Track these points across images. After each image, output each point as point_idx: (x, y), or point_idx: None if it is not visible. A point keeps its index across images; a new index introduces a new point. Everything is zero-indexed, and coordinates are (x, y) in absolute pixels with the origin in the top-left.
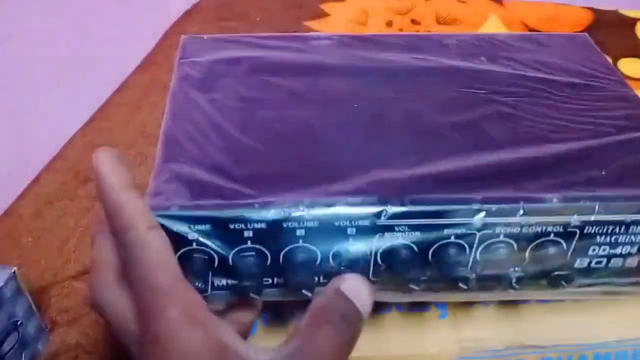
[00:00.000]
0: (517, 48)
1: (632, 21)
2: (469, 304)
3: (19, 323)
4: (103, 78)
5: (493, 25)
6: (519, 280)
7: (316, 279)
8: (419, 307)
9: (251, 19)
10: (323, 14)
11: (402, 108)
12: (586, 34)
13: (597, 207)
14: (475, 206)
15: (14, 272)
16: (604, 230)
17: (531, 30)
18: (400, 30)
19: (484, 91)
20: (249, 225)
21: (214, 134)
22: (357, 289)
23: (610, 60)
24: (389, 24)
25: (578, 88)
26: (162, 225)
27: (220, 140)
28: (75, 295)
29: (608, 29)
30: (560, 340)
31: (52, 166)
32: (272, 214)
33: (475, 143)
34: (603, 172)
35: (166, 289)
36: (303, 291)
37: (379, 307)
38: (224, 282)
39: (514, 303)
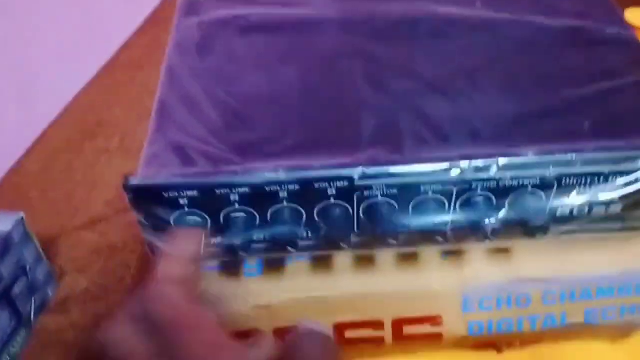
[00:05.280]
0: None
1: None
2: None
3: (28, 268)
4: (107, 38)
5: None
6: (495, 231)
7: (304, 234)
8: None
9: None
10: None
11: (391, 64)
12: None
13: (573, 160)
14: (450, 164)
15: (22, 218)
16: (582, 182)
17: None
18: None
19: (473, 40)
20: (234, 190)
21: (206, 99)
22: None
23: None
24: None
25: (572, 32)
26: (155, 192)
27: (212, 106)
28: (83, 245)
29: None
30: (562, 274)
31: (58, 122)
32: (253, 179)
33: (461, 97)
34: (586, 123)
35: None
36: (288, 247)
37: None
38: (215, 240)
39: None
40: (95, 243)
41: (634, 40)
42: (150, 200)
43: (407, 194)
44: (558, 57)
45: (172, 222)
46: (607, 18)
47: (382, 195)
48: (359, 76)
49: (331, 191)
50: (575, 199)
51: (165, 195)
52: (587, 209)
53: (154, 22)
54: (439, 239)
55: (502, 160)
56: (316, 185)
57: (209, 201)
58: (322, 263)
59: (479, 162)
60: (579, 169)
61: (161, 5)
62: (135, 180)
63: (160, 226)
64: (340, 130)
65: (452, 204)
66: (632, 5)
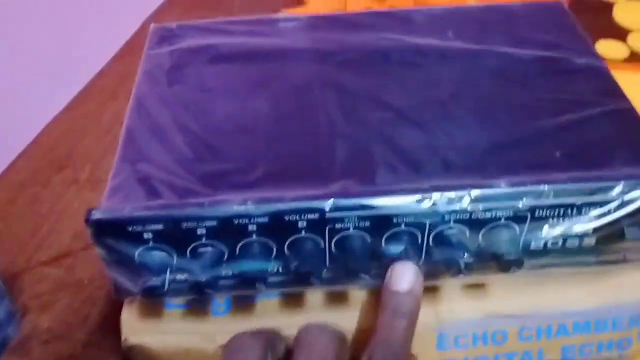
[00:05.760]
0: (487, 21)
1: (609, 5)
2: None
3: None
4: (80, 67)
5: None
6: (468, 266)
7: (274, 269)
8: None
9: (229, 8)
10: (302, 1)
11: (363, 94)
12: (561, 2)
13: (545, 191)
14: (423, 196)
15: None
16: (556, 214)
17: None
18: None
19: (445, 70)
20: (201, 224)
21: (175, 129)
22: (400, 276)
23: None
24: None
25: (545, 63)
26: (118, 226)
27: (180, 136)
28: (47, 281)
29: (586, 11)
30: (539, 309)
31: (27, 153)
32: (221, 212)
33: (433, 128)
34: (558, 154)
35: None
36: (257, 284)
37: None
38: (182, 277)
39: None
40: (61, 279)
41: (604, 71)
42: (113, 235)
43: (380, 226)
44: (530, 87)
45: (136, 258)
46: (578, 49)
47: (355, 228)
48: (331, 107)
49: (302, 224)
50: (548, 232)
51: (129, 229)
52: (561, 242)
53: (130, 50)
54: None
55: (475, 192)
56: (287, 218)
57: (175, 235)
58: (293, 300)
59: (452, 194)
60: (552, 201)
61: (137, 35)
62: (97, 214)
63: (124, 262)
64: (311, 161)
65: (425, 238)
66: (602, 37)
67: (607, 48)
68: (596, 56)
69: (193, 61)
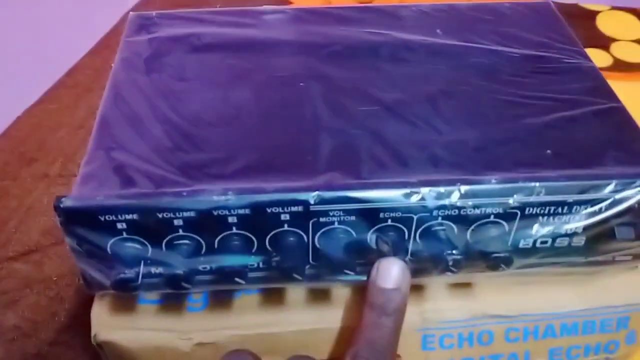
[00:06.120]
0: (476, 19)
1: (592, 13)
2: None
3: None
4: (54, 60)
5: None
6: (457, 263)
7: (253, 266)
8: None
9: (211, 4)
10: (287, 1)
11: (349, 87)
12: (550, 2)
13: (536, 188)
14: (411, 189)
15: None
16: (546, 211)
17: None
18: None
19: (434, 66)
20: (178, 214)
21: (152, 117)
22: (386, 272)
23: None
24: None
25: (533, 61)
26: (90, 214)
27: (158, 125)
28: (14, 277)
29: (570, 19)
30: (526, 310)
31: None
32: (200, 202)
33: (420, 123)
34: (548, 151)
35: None
36: (236, 279)
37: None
38: (157, 270)
39: None
40: (28, 275)
41: (594, 71)
42: (84, 224)
43: (366, 221)
44: (519, 85)
45: (108, 249)
46: (567, 48)
47: (339, 222)
48: (316, 99)
49: (285, 217)
50: (538, 230)
51: (102, 218)
52: (550, 241)
53: (107, 44)
54: None
55: (464, 187)
56: (268, 210)
57: (150, 226)
58: (273, 297)
59: (440, 189)
60: (542, 198)
61: (115, 28)
62: (67, 201)
63: (95, 254)
64: (295, 153)
65: (412, 233)
66: (586, 46)
67: (590, 56)
68: (585, 56)
69: (173, 49)
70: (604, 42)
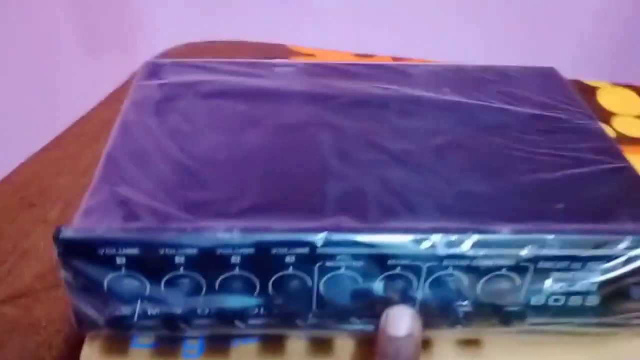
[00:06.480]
0: (483, 79)
1: (593, 89)
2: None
3: None
4: (62, 110)
5: None
6: (467, 315)
7: (255, 310)
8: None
9: None
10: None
11: (357, 136)
12: (553, 67)
13: (550, 240)
14: (421, 236)
15: None
16: (559, 266)
17: None
18: None
19: (442, 121)
20: (180, 251)
21: (159, 156)
22: (397, 319)
23: None
24: None
25: (541, 119)
26: (90, 246)
27: (165, 164)
28: (1, 321)
29: None
30: None
31: None
32: (203, 239)
33: (429, 172)
34: (561, 205)
35: None
36: (236, 322)
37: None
38: (153, 309)
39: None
40: (16, 319)
41: (601, 132)
42: (82, 256)
43: (374, 267)
44: (527, 141)
45: (105, 284)
46: (574, 110)
47: (346, 268)
48: (324, 146)
49: (290, 259)
50: (551, 286)
51: (101, 251)
52: (563, 299)
53: (117, 98)
54: None
55: (476, 236)
56: (273, 251)
57: (151, 262)
58: (272, 346)
59: (452, 236)
60: (555, 251)
61: (126, 83)
62: (67, 232)
63: (91, 289)
64: (302, 195)
65: (421, 283)
66: None
67: None
68: (592, 117)
69: (184, 94)
70: (606, 117)
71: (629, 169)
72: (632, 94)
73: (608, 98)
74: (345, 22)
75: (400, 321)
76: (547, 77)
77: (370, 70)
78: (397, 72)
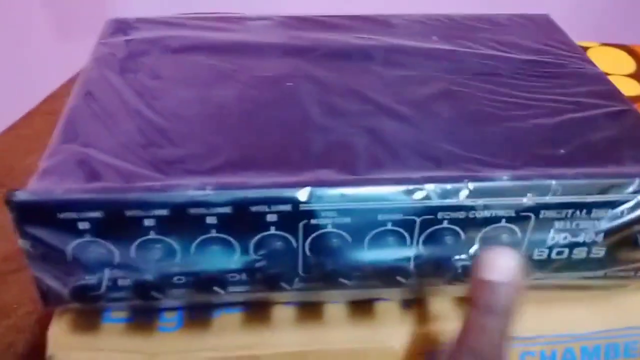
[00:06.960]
0: (473, 28)
1: (583, 49)
2: None
3: None
4: (30, 87)
5: None
6: (466, 271)
7: (235, 275)
8: None
9: None
10: None
11: (340, 87)
12: (547, 14)
13: (552, 186)
14: (413, 186)
15: None
16: (563, 215)
17: None
18: None
19: (431, 70)
20: (149, 212)
21: (124, 114)
22: (493, 261)
23: None
24: None
25: (537, 65)
26: (48, 210)
27: (130, 121)
28: None
29: None
30: (542, 331)
31: None
32: (174, 198)
33: (420, 121)
34: (562, 151)
35: None
36: (215, 288)
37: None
38: (123, 277)
39: None
40: None
41: (601, 76)
42: (41, 223)
43: (363, 223)
44: (523, 87)
45: (68, 253)
46: (572, 55)
47: (333, 226)
48: (304, 98)
49: (271, 217)
50: (554, 237)
51: (61, 216)
52: (567, 251)
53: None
54: (401, 279)
55: (473, 185)
56: (253, 209)
57: (117, 227)
58: (256, 315)
59: (447, 186)
60: (558, 198)
61: None
62: (21, 195)
63: (53, 258)
64: (282, 150)
65: (415, 238)
66: None
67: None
68: (590, 62)
69: (151, 50)
70: None
71: (632, 111)
72: (622, 54)
73: (598, 58)
74: None
75: (496, 263)
76: (542, 24)
77: (351, 22)
78: (379, 22)
